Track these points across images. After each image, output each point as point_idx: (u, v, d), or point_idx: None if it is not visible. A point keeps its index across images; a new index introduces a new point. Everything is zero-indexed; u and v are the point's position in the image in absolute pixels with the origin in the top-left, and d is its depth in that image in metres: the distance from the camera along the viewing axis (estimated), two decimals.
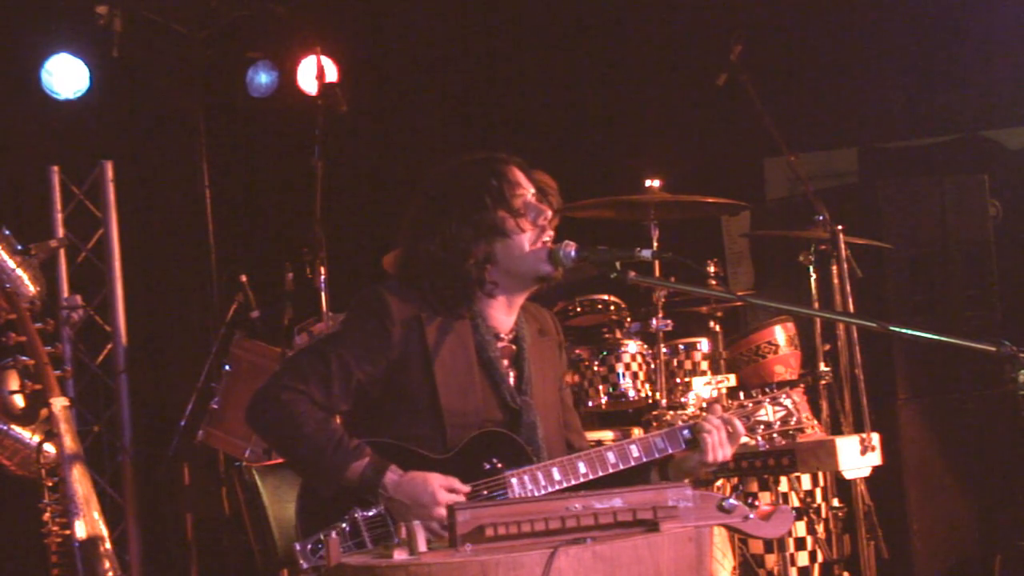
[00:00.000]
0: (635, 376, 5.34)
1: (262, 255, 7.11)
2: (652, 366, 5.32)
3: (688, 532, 2.85)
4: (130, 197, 7.13)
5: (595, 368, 5.37)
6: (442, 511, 3.12)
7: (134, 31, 7.09)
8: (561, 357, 3.68)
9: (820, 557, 5.21)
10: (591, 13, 7.62)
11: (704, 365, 5.50)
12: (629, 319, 5.63)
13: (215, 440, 5.91)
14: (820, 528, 5.22)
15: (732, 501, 3.02)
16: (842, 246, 5.21)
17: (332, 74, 6.73)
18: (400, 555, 2.77)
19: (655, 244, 5.25)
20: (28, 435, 5.02)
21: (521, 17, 7.68)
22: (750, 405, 3.48)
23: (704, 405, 5.03)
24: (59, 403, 4.09)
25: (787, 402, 3.48)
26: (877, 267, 5.97)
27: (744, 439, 3.43)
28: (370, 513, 3.23)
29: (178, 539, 6.89)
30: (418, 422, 3.34)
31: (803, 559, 5.16)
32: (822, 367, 5.33)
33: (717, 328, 5.65)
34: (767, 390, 3.51)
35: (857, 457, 4.79)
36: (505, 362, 3.47)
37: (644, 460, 3.36)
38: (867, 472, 4.89)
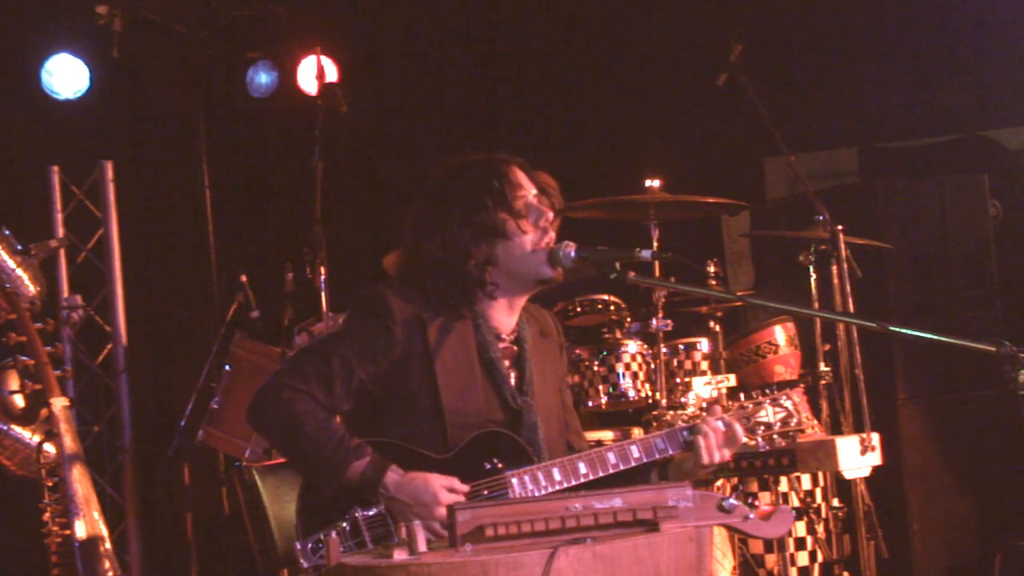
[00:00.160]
0: (635, 376, 5.34)
1: (262, 255, 7.10)
2: (652, 366, 5.32)
3: (688, 532, 2.85)
4: (130, 197, 7.13)
5: (595, 368, 5.37)
6: (443, 511, 3.12)
7: (134, 31, 7.08)
8: (562, 358, 3.68)
9: (820, 557, 5.21)
10: (591, 13, 7.62)
11: (704, 365, 5.50)
12: (629, 319, 5.63)
13: (215, 440, 5.91)
14: (820, 528, 5.22)
15: (732, 501, 3.02)
16: (842, 246, 5.21)
17: (332, 74, 6.74)
18: (400, 555, 2.77)
19: (655, 244, 5.25)
20: (28, 435, 5.02)
21: (521, 17, 7.68)
22: (750, 406, 3.48)
23: (704, 405, 5.03)
24: (59, 403, 4.09)
25: (787, 403, 3.48)
26: (877, 267, 5.97)
27: (744, 440, 3.42)
28: (370, 513, 3.23)
29: (178, 539, 6.88)
30: (419, 422, 3.34)
31: (803, 559, 5.16)
32: (822, 367, 5.33)
33: (717, 328, 5.65)
34: (767, 391, 3.51)
35: (857, 457, 4.79)
36: (506, 363, 3.47)
37: (644, 461, 3.36)
38: (867, 472, 4.89)
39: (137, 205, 7.25)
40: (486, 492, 3.27)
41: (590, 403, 5.38)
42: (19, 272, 5.35)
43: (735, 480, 5.01)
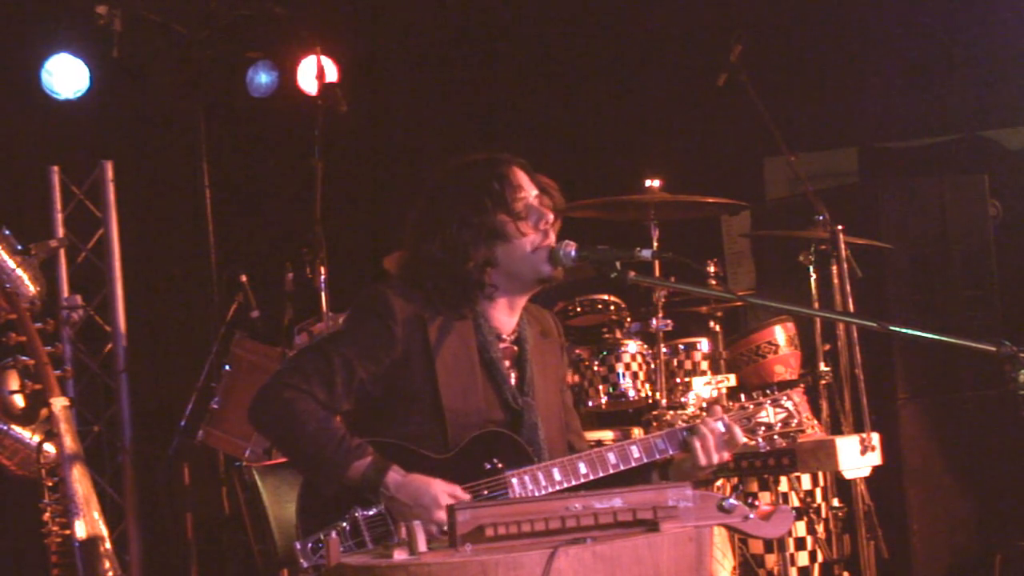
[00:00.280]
0: (635, 376, 5.34)
1: (262, 255, 7.10)
2: (652, 366, 5.32)
3: (688, 532, 2.85)
4: (130, 197, 7.12)
5: (595, 368, 5.37)
6: (442, 515, 3.12)
7: (134, 31, 7.08)
8: (563, 359, 3.68)
9: (820, 557, 5.21)
10: (591, 13, 7.62)
11: (704, 365, 5.50)
12: (629, 319, 5.63)
13: (215, 440, 5.91)
14: (820, 528, 5.22)
15: (732, 501, 3.02)
16: (842, 246, 5.21)
17: (332, 74, 6.74)
18: (400, 555, 2.77)
19: (655, 244, 5.25)
20: (28, 435, 5.02)
21: (521, 17, 7.68)
22: (751, 407, 3.48)
23: (704, 405, 5.03)
24: (59, 403, 4.09)
25: (788, 404, 3.48)
26: (877, 267, 5.97)
27: (744, 440, 3.42)
28: (370, 512, 3.23)
29: (178, 539, 6.88)
30: (419, 421, 3.34)
31: (803, 559, 5.16)
32: (822, 367, 5.33)
33: (717, 328, 5.65)
34: (768, 391, 3.51)
35: (857, 457, 4.79)
36: (507, 363, 3.47)
37: (645, 461, 3.36)
38: (867, 472, 4.90)
39: (137, 205, 7.25)
40: (486, 492, 3.27)
41: (590, 403, 5.38)
42: (19, 272, 5.35)
43: (735, 480, 5.01)
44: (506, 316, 3.49)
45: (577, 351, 5.40)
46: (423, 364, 3.35)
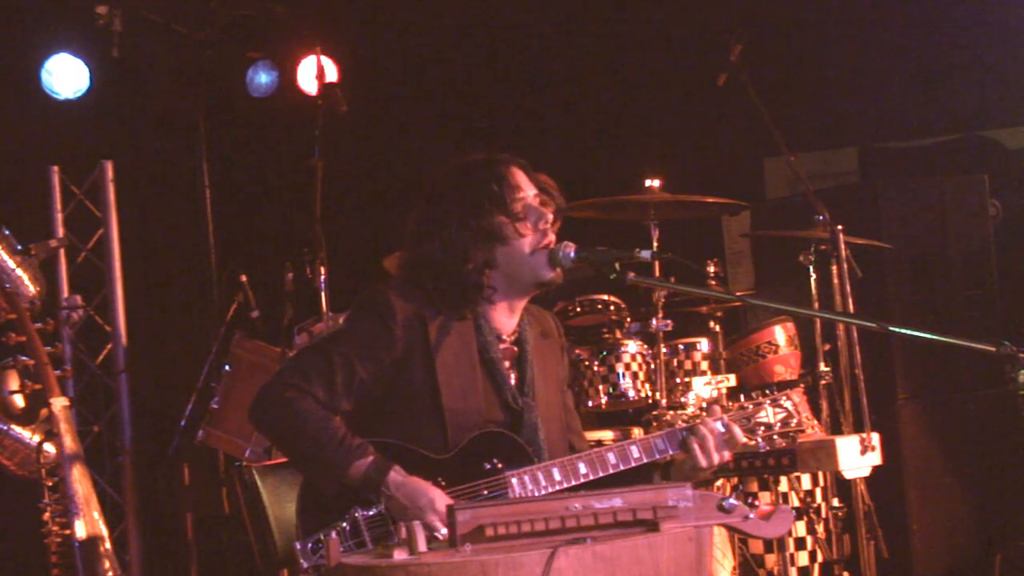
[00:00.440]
0: (635, 376, 5.34)
1: (262, 255, 7.11)
2: (652, 366, 5.32)
3: (688, 532, 2.85)
4: (130, 197, 7.13)
5: (595, 368, 5.36)
6: (433, 518, 3.13)
7: (134, 31, 7.08)
8: (564, 359, 3.68)
9: (820, 557, 5.21)
10: (591, 13, 7.62)
11: (704, 365, 5.50)
12: (629, 319, 5.63)
13: (215, 440, 5.91)
14: (820, 528, 5.22)
15: (732, 501, 3.02)
16: (842, 246, 5.21)
17: (332, 74, 6.74)
18: (400, 555, 2.77)
19: (655, 244, 5.25)
20: (28, 435, 5.02)
21: (521, 17, 7.68)
22: (750, 407, 3.48)
23: (704, 405, 5.03)
24: (59, 403, 4.09)
25: (787, 404, 3.48)
26: (877, 267, 5.98)
27: (744, 440, 3.42)
28: (370, 513, 3.23)
29: (178, 539, 6.88)
30: (419, 421, 3.34)
31: (803, 559, 5.16)
32: (822, 367, 5.33)
33: (717, 328, 5.65)
34: (767, 391, 3.51)
35: (857, 457, 4.79)
36: (507, 363, 3.46)
37: (644, 461, 3.36)
38: (867, 472, 4.90)
39: (137, 205, 7.25)
40: (486, 492, 3.27)
41: (590, 403, 5.38)
42: (19, 272, 5.35)
43: (735, 480, 5.01)
44: (506, 317, 3.49)
45: (577, 351, 5.40)
46: (423, 364, 3.35)
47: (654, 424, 5.11)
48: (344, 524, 3.22)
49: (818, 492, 5.28)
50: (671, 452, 3.39)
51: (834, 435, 5.00)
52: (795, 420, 3.47)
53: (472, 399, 3.37)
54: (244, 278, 6.29)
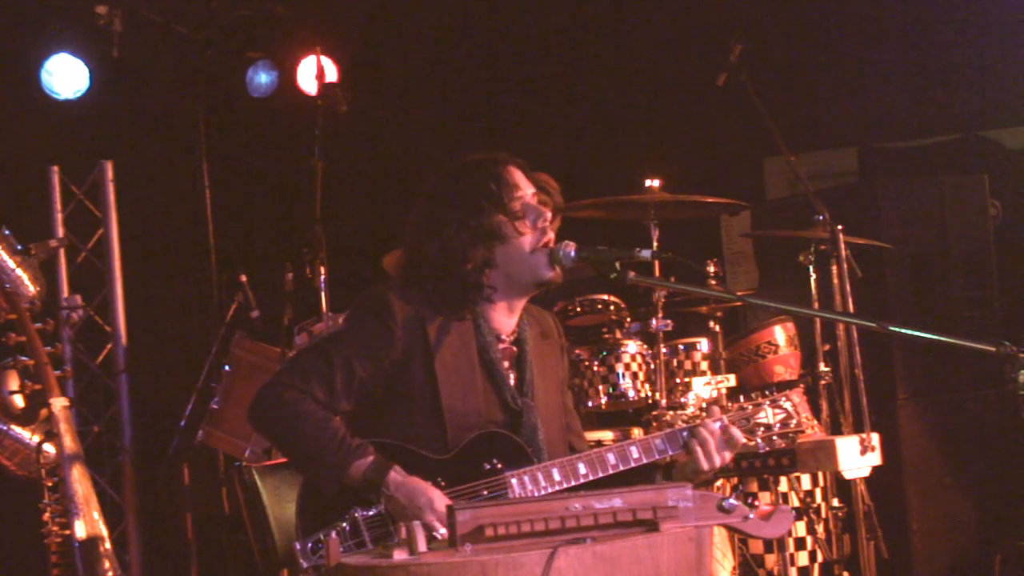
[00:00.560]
0: (635, 376, 5.34)
1: (262, 255, 7.11)
2: (652, 366, 5.32)
3: (688, 532, 2.85)
4: (130, 197, 7.13)
5: (595, 368, 5.36)
6: (431, 518, 3.13)
7: (134, 31, 7.08)
8: (563, 360, 3.68)
9: (820, 557, 5.21)
10: (591, 13, 7.62)
11: (704, 365, 5.50)
12: (629, 319, 5.63)
13: (215, 440, 5.91)
14: (820, 528, 5.22)
15: (732, 501, 3.02)
16: (842, 246, 5.21)
17: (332, 74, 6.74)
18: (400, 555, 2.77)
19: (655, 244, 5.25)
20: (28, 435, 5.02)
21: (521, 17, 7.68)
22: (749, 407, 3.48)
23: (704, 406, 5.03)
24: (59, 403, 4.08)
25: (787, 404, 3.48)
26: (877, 267, 5.97)
27: (744, 441, 3.42)
28: (370, 513, 3.23)
29: (178, 539, 6.88)
30: (419, 422, 3.34)
31: (803, 559, 5.16)
32: (822, 367, 5.33)
33: (717, 328, 5.65)
34: (766, 392, 3.52)
35: (857, 457, 4.79)
36: (506, 363, 3.46)
37: (644, 461, 3.36)
38: (867, 472, 4.90)
39: (137, 205, 7.25)
40: (485, 492, 3.27)
41: (590, 403, 5.38)
42: (19, 272, 5.35)
43: (735, 480, 5.01)
44: (505, 317, 3.48)
45: (577, 351, 5.40)
46: (423, 364, 3.35)
47: (654, 424, 5.11)
48: (344, 524, 3.22)
49: (818, 492, 5.28)
50: (671, 452, 3.39)
51: (834, 435, 5.00)
52: (794, 420, 3.47)
53: (471, 399, 3.37)
54: (244, 278, 6.29)
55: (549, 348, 3.60)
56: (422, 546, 2.80)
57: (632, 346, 5.37)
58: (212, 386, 6.10)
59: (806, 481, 5.27)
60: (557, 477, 3.28)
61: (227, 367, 5.92)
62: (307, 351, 3.46)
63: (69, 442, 4.04)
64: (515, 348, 3.50)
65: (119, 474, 6.90)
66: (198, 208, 7.23)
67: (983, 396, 6.09)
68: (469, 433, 3.32)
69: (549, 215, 3.45)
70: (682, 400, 5.20)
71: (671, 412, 5.10)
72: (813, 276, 5.33)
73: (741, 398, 3.52)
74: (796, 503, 5.22)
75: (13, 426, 5.00)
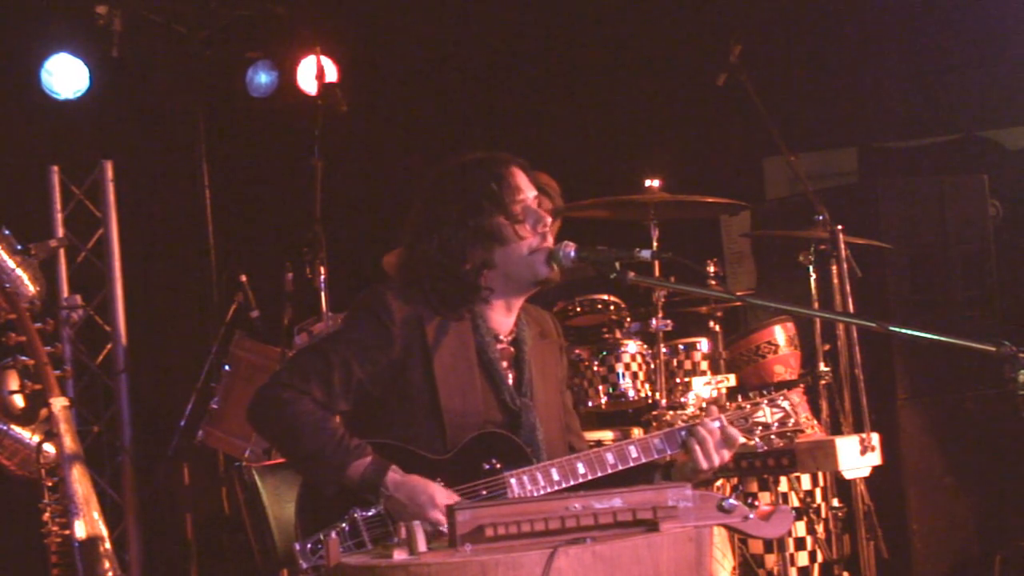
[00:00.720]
0: (635, 376, 5.34)
1: (262, 255, 7.10)
2: (652, 366, 5.32)
3: (688, 532, 2.85)
4: (130, 197, 7.13)
5: (595, 368, 5.36)
6: (436, 514, 3.12)
7: (134, 31, 7.09)
8: (562, 360, 3.67)
9: (820, 557, 5.21)
10: (591, 13, 7.62)
11: (704, 365, 5.49)
12: (629, 319, 5.63)
13: (215, 440, 5.91)
14: (820, 528, 5.22)
15: (732, 501, 3.02)
16: (842, 246, 5.21)
17: (332, 74, 6.74)
18: (400, 555, 2.77)
19: (655, 244, 5.25)
20: (28, 435, 5.02)
21: (520, 17, 7.68)
22: (748, 407, 3.48)
23: (703, 406, 5.03)
24: (59, 403, 4.08)
25: (785, 404, 3.48)
26: (877, 267, 5.97)
27: (743, 440, 3.42)
28: (369, 513, 3.23)
29: (178, 539, 6.88)
30: (418, 422, 3.34)
31: (803, 559, 5.16)
32: (822, 367, 5.32)
33: (717, 328, 5.64)
34: (765, 392, 3.51)
35: (857, 457, 4.79)
36: (504, 363, 3.46)
37: (643, 461, 3.35)
38: (867, 472, 4.89)
39: (137, 205, 7.25)
40: (484, 492, 3.26)
41: (590, 403, 5.38)
42: (19, 272, 5.35)
43: (735, 480, 5.01)
44: (503, 317, 3.48)
45: (577, 351, 5.40)
46: (421, 364, 3.35)
47: (654, 424, 5.11)
48: (343, 524, 3.22)
49: (818, 492, 5.28)
50: (669, 452, 3.38)
51: (834, 435, 4.99)
52: (792, 420, 3.47)
53: (470, 399, 3.37)
54: (244, 278, 6.29)
55: (548, 348, 3.60)
56: (422, 546, 2.80)
57: (632, 346, 5.37)
58: (212, 386, 6.10)
59: (806, 481, 5.27)
60: (556, 477, 3.27)
61: (227, 367, 5.92)
62: (306, 351, 3.45)
63: (69, 442, 4.04)
64: (513, 348, 3.50)
65: (119, 474, 6.91)
66: (198, 208, 7.23)
67: (983, 396, 6.09)
68: (468, 433, 3.32)
69: (549, 220, 3.44)
70: (682, 400, 5.20)
71: (671, 412, 5.10)
72: (813, 276, 5.33)
73: (739, 398, 3.52)
74: (796, 503, 5.22)
75: (13, 426, 5.00)
